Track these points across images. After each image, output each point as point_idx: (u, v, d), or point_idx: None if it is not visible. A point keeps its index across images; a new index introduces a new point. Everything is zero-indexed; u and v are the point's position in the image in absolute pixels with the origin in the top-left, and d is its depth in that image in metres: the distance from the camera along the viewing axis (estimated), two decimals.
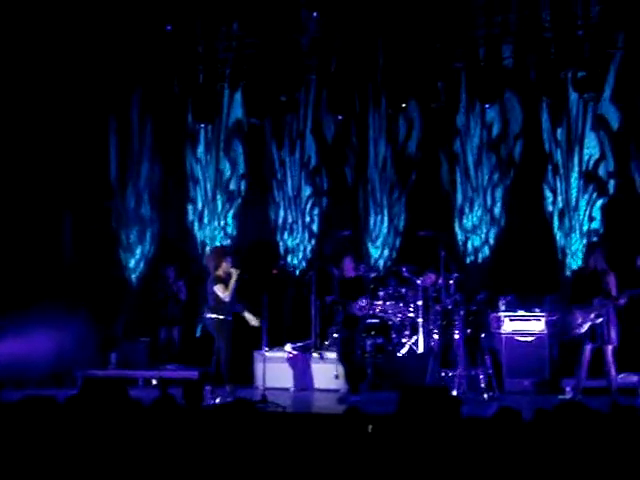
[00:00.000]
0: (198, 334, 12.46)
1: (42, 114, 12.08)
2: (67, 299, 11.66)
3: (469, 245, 12.05)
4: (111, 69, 12.18)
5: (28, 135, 12.06)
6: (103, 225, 12.80)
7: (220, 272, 9.87)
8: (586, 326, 9.36)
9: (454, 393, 9.44)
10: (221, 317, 9.80)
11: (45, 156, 12.21)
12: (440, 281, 10.65)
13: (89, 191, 12.64)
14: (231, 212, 12.85)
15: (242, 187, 12.88)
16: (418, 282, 10.98)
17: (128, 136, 12.94)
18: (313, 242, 12.63)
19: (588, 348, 9.39)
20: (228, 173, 12.86)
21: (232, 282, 9.80)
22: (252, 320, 10.02)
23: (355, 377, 10.20)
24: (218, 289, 9.79)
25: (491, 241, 11.99)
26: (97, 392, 4.58)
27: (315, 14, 11.72)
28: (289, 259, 12.64)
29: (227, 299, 9.78)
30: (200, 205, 12.91)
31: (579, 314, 9.43)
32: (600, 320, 9.30)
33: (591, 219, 11.52)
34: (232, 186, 12.86)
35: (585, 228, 11.50)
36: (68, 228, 12.71)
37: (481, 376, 9.90)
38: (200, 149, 12.88)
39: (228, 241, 12.70)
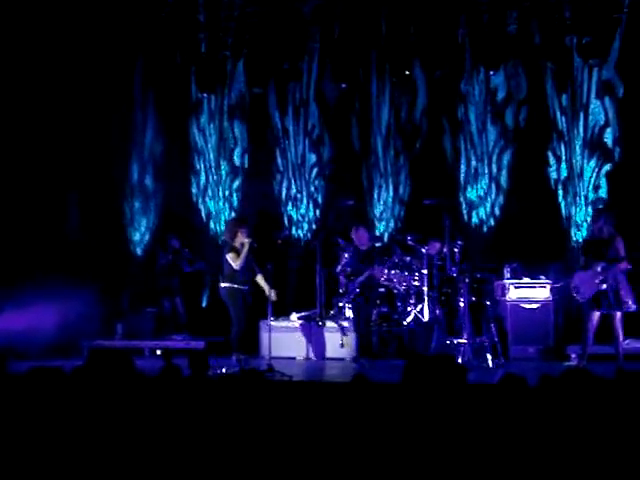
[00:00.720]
0: (204, 304, 12.50)
1: (45, 89, 12.04)
2: (73, 271, 11.67)
3: (474, 213, 12.02)
4: (112, 41, 12.11)
5: (32, 112, 12.03)
6: (108, 198, 12.78)
7: (236, 242, 10.06)
8: (592, 292, 9.31)
9: (459, 361, 9.47)
10: (234, 286, 9.98)
11: (49, 131, 12.18)
12: (445, 249, 10.64)
13: (93, 164, 12.61)
14: (236, 183, 12.82)
15: (246, 158, 12.83)
16: (423, 251, 10.97)
17: (131, 107, 12.88)
18: (317, 212, 12.60)
19: (595, 315, 9.37)
20: (232, 144, 12.81)
21: (244, 251, 9.96)
22: (267, 290, 10.10)
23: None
24: (230, 257, 9.99)
25: (496, 209, 11.96)
26: (103, 362, 4.60)
27: None
28: (294, 230, 12.62)
29: (237, 267, 9.95)
30: (204, 177, 12.87)
31: (577, 278, 9.40)
32: (605, 286, 9.25)
33: (596, 188, 11.47)
34: (236, 157, 12.82)
35: (591, 196, 11.46)
36: (74, 202, 12.71)
37: (486, 343, 9.92)
38: (203, 120, 12.82)
39: (232, 213, 12.69)
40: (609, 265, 9.23)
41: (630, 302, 9.27)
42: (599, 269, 9.26)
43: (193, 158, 12.90)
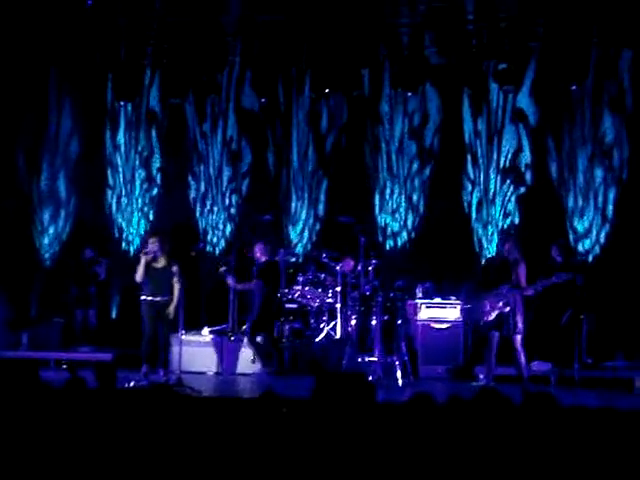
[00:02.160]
0: (114, 315, 12.29)
1: None
2: None
3: (389, 232, 12.13)
4: (27, 42, 11.83)
5: None
6: (16, 203, 12.45)
7: (147, 253, 10.04)
8: (494, 314, 9.45)
9: (370, 379, 9.51)
10: (144, 298, 10.01)
11: None
12: (359, 267, 10.71)
13: (2, 169, 12.29)
14: (150, 193, 12.65)
15: (160, 168, 12.68)
16: (337, 268, 11.00)
17: (44, 110, 12.60)
18: (232, 225, 12.53)
19: (496, 336, 9.49)
20: (147, 154, 12.65)
21: (141, 264, 9.96)
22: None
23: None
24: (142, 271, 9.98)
25: (410, 229, 12.10)
26: (7, 373, 4.46)
27: None
28: (208, 239, 12.51)
29: (138, 279, 9.95)
30: (118, 188, 12.67)
31: (487, 301, 9.54)
32: (508, 309, 9.37)
33: (506, 215, 11.73)
34: (152, 168, 12.66)
35: (501, 223, 11.70)
36: None
37: (397, 362, 9.99)
38: (120, 128, 12.63)
39: (147, 225, 12.54)
40: (513, 289, 9.36)
41: (521, 325, 9.39)
42: (504, 292, 9.39)
43: (107, 168, 12.68)
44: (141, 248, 10.06)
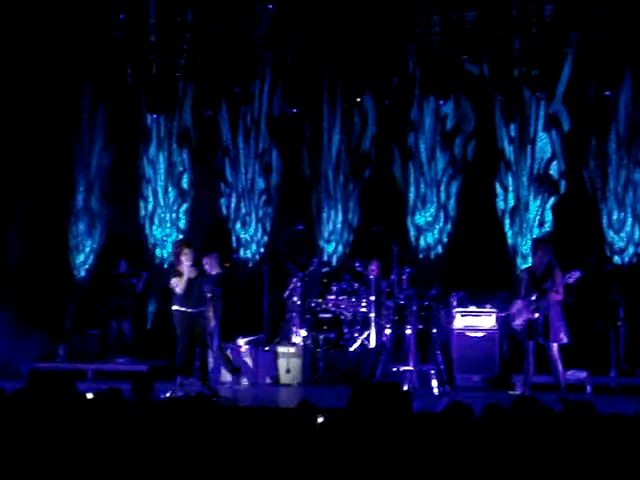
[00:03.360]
0: (149, 326, 12.37)
1: None
2: (13, 292, 11.46)
3: (422, 241, 12.10)
4: (61, 57, 11.98)
5: None
6: (52, 217, 12.60)
7: (180, 266, 9.79)
8: (521, 319, 9.36)
9: (405, 388, 9.47)
10: (181, 309, 9.76)
11: None
12: (393, 276, 10.68)
13: (39, 183, 12.44)
14: (184, 206, 12.73)
15: (194, 180, 12.76)
16: (371, 277, 11.00)
17: (78, 124, 12.74)
18: (266, 236, 12.57)
19: (531, 344, 9.41)
20: (181, 167, 12.74)
21: (184, 277, 9.72)
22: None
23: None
24: (173, 282, 9.74)
25: (444, 237, 12.05)
26: (44, 385, 4.50)
27: (270, 6, 11.66)
28: (241, 252, 12.56)
29: (179, 292, 9.72)
30: (152, 199, 12.77)
31: (516, 306, 9.46)
32: (537, 316, 9.28)
33: (540, 223, 11.63)
34: (184, 179, 12.75)
35: (536, 231, 11.61)
36: (17, 220, 12.50)
37: (432, 372, 9.94)
38: (153, 141, 12.74)
39: (180, 235, 12.60)
40: (542, 295, 9.27)
41: (562, 334, 9.29)
42: (533, 298, 9.31)
43: (141, 181, 12.79)
44: (177, 260, 9.88)
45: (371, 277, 11.01)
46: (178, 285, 9.72)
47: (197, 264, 9.93)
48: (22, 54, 11.81)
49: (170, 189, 12.74)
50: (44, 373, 8.12)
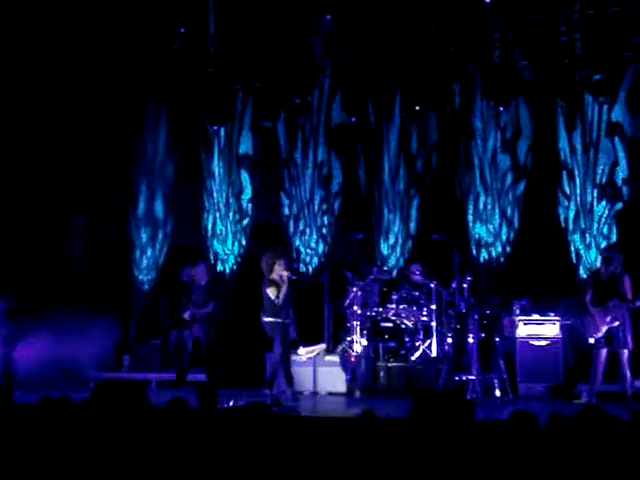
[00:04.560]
0: (212, 337, 12.46)
1: (55, 112, 12.14)
2: (77, 302, 11.66)
3: (483, 248, 11.99)
4: (124, 68, 12.20)
5: (40, 135, 12.11)
6: (116, 226, 12.81)
7: (273, 274, 9.79)
8: (604, 329, 9.30)
9: (468, 397, 9.40)
10: (278, 320, 9.75)
11: (58, 159, 12.26)
12: (454, 285, 10.62)
13: (102, 192, 12.67)
14: (245, 221, 12.81)
15: (254, 190, 12.84)
16: (432, 285, 10.95)
17: (142, 139, 12.94)
18: (325, 245, 12.59)
19: (604, 352, 9.32)
20: (241, 178, 12.84)
21: (284, 285, 9.72)
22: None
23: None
24: (270, 292, 9.73)
25: (506, 244, 11.93)
26: (111, 394, 4.58)
27: (328, 16, 11.72)
28: (302, 263, 12.60)
29: (279, 302, 9.71)
30: (213, 211, 12.89)
31: (597, 318, 9.37)
32: (617, 323, 9.24)
33: (604, 231, 11.44)
34: (245, 189, 12.84)
35: (599, 238, 11.43)
36: (79, 227, 12.74)
37: (495, 380, 9.86)
38: (214, 152, 12.87)
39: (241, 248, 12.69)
40: (621, 303, 9.22)
41: (631, 341, 9.24)
42: (610, 306, 9.23)
43: (202, 191, 12.93)
44: (270, 270, 9.81)
45: (414, 279, 10.96)
46: (276, 296, 9.70)
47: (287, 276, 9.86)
48: (87, 69, 12.05)
49: (231, 200, 12.84)
50: (111, 382, 8.25)
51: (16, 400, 5.83)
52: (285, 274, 9.72)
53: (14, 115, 12.01)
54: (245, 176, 12.84)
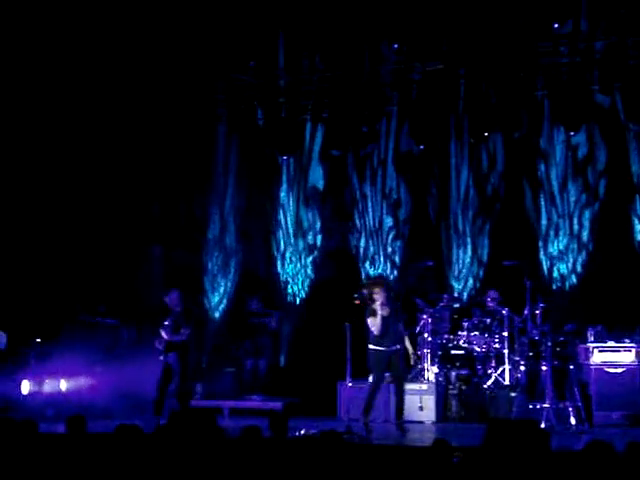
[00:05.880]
0: (282, 364, 12.53)
1: (128, 147, 12.43)
2: (151, 331, 11.83)
3: (555, 273, 11.83)
4: (196, 103, 12.44)
5: (118, 168, 12.41)
6: (188, 255, 13.00)
7: (374, 305, 9.82)
8: None
9: (542, 426, 9.26)
10: (378, 348, 9.79)
11: (133, 189, 12.54)
12: (526, 311, 10.50)
13: (174, 222, 12.90)
14: (314, 249, 12.88)
15: (323, 218, 12.91)
16: (504, 312, 10.84)
17: (214, 168, 13.15)
18: (395, 272, 12.57)
19: None
20: (310, 205, 12.93)
21: (378, 317, 9.72)
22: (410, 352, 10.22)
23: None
24: (369, 322, 9.80)
25: (579, 269, 11.76)
26: (185, 422, 4.64)
27: (395, 45, 11.79)
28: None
29: (377, 333, 9.73)
30: (283, 239, 13.00)
31: None
32: None
33: None
34: (316, 218, 12.91)
35: None
36: (158, 261, 12.97)
37: (570, 409, 9.69)
38: (283, 181, 13.01)
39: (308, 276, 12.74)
40: None
41: None
42: None
43: (272, 220, 13.05)
44: (370, 299, 9.83)
45: (490, 306, 10.85)
46: (374, 325, 9.73)
47: (390, 302, 9.84)
48: (163, 102, 12.32)
49: (301, 228, 12.93)
50: (186, 411, 8.35)
51: (91, 429, 5.94)
52: (378, 306, 9.70)
53: (94, 148, 12.31)
54: (314, 204, 12.93)
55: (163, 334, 10.33)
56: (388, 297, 9.80)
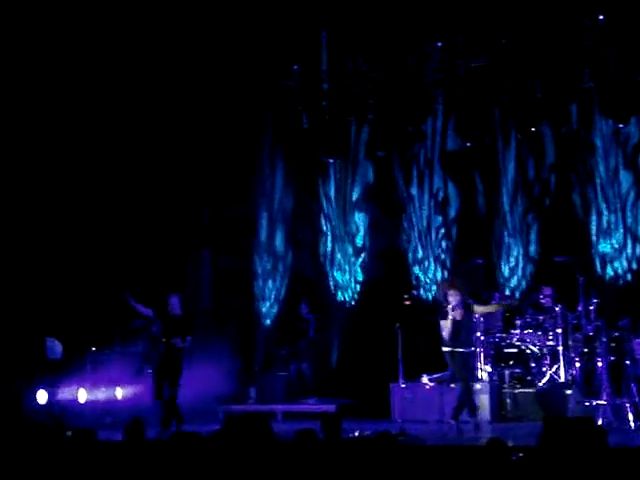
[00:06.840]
0: (334, 366, 12.53)
1: (177, 154, 12.57)
2: (205, 337, 11.92)
3: (608, 268, 11.65)
4: (243, 110, 12.52)
5: (166, 174, 12.55)
6: (238, 259, 13.09)
7: (446, 305, 9.92)
8: None
9: (599, 423, 9.12)
10: (454, 350, 9.88)
11: (183, 195, 12.67)
12: (580, 308, 10.37)
13: (223, 226, 13.00)
14: (363, 250, 12.86)
15: (370, 219, 12.90)
16: (557, 309, 10.72)
17: (261, 172, 13.23)
18: (445, 271, 12.50)
19: None
20: (359, 207, 12.92)
21: (449, 318, 9.81)
22: None
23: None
24: (442, 323, 9.89)
25: (633, 263, 11.56)
26: (241, 427, 4.67)
27: (439, 43, 11.74)
28: (421, 290, 12.55)
29: (444, 334, 9.81)
30: (331, 242, 13.01)
31: None
32: None
33: None
34: (363, 220, 12.91)
35: None
36: (208, 265, 13.08)
37: (627, 405, 9.54)
38: (331, 183, 13.03)
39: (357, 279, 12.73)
40: None
41: None
42: None
43: (321, 223, 13.08)
44: (445, 301, 9.90)
45: (544, 302, 10.75)
46: (445, 328, 9.82)
47: (465, 305, 9.92)
48: (208, 106, 12.43)
49: (349, 230, 12.94)
50: (240, 415, 8.37)
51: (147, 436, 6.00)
52: (449, 308, 9.78)
53: (147, 155, 12.45)
54: (362, 206, 12.92)
55: (175, 343, 10.21)
56: (462, 300, 9.79)
